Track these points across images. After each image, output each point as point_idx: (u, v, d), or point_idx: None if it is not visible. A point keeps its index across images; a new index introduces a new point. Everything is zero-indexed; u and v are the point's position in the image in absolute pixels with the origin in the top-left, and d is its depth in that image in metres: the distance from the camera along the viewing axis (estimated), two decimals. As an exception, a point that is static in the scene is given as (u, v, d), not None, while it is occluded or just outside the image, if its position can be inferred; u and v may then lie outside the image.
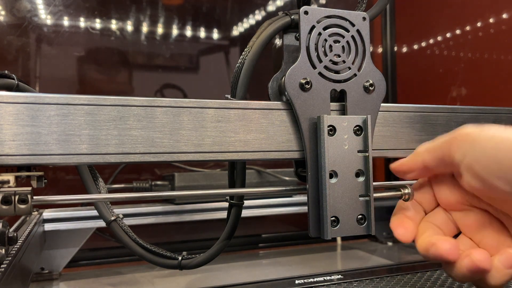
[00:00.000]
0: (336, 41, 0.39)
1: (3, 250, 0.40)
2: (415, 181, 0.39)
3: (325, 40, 0.38)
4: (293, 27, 0.42)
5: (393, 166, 0.37)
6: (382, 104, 0.40)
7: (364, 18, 0.40)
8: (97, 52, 0.89)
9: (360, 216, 0.37)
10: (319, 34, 0.38)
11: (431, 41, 0.94)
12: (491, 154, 0.30)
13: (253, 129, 0.36)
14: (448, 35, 0.89)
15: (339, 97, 0.39)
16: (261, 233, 0.88)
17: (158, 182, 0.78)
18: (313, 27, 0.38)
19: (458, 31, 0.87)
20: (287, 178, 0.77)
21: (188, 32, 0.95)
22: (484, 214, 0.35)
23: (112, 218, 0.47)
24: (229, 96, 0.41)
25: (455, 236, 0.37)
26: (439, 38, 0.92)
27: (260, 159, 0.37)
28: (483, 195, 0.33)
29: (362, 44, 0.39)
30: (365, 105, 0.39)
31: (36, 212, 0.66)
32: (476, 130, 0.32)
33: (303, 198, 0.77)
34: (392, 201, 0.82)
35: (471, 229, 0.36)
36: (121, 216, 0.48)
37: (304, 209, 0.75)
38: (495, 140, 0.30)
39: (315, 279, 0.48)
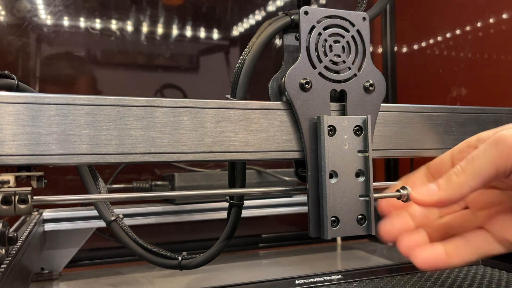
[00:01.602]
0: (336, 41, 0.39)
1: (3, 250, 0.40)
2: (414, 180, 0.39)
3: (325, 40, 0.38)
4: (293, 27, 0.42)
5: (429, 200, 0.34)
6: (382, 104, 0.40)
7: (364, 18, 0.40)
8: (97, 52, 0.89)
9: (360, 216, 0.37)
10: (319, 34, 0.38)
11: (431, 41, 0.94)
12: None
13: (253, 129, 0.36)
14: (448, 35, 0.89)
15: (339, 97, 0.39)
16: (261, 233, 0.88)
17: (158, 182, 0.78)
18: (313, 27, 0.38)
19: (458, 31, 0.87)
20: (287, 178, 0.77)
21: (188, 32, 0.95)
22: (497, 192, 0.36)
23: (112, 218, 0.47)
24: (229, 96, 0.41)
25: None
26: (439, 38, 0.92)
27: (260, 159, 0.37)
28: None
29: (362, 44, 0.39)
30: (365, 105, 0.39)
31: (36, 212, 0.66)
32: None
33: (303, 198, 0.77)
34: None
35: (480, 205, 0.36)
36: (121, 216, 0.48)
37: (304, 209, 0.75)
38: None
39: (315, 279, 0.48)
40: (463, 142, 0.36)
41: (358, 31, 0.39)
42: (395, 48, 1.04)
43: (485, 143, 0.32)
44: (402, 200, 0.37)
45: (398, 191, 0.37)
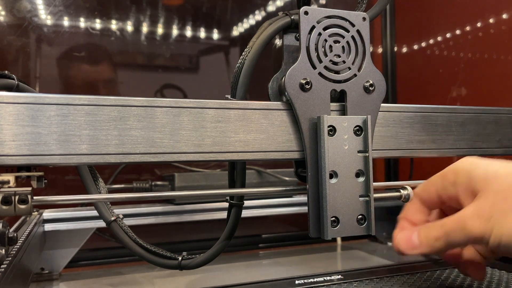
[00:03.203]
0: (336, 41, 0.39)
1: (3, 250, 0.40)
2: (416, 181, 0.39)
3: (325, 40, 0.38)
4: (293, 27, 0.42)
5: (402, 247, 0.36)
6: (382, 104, 0.40)
7: (364, 19, 0.40)
8: (97, 52, 0.89)
9: (360, 216, 0.37)
10: (319, 34, 0.38)
11: (431, 41, 0.94)
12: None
13: (253, 129, 0.36)
14: (448, 35, 0.89)
15: (339, 97, 0.39)
16: (261, 233, 0.88)
17: (158, 183, 0.78)
18: (313, 28, 0.38)
19: (458, 31, 0.87)
20: (287, 178, 0.77)
21: (188, 32, 0.95)
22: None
23: (112, 218, 0.47)
24: (229, 96, 0.41)
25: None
26: (439, 38, 0.92)
27: (260, 159, 0.37)
28: None
29: (362, 44, 0.39)
30: (365, 105, 0.39)
31: (36, 213, 0.66)
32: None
33: (303, 198, 0.77)
34: (392, 201, 0.82)
35: None
36: (121, 216, 0.48)
37: (304, 209, 0.75)
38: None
39: (315, 279, 0.48)
40: (444, 173, 0.36)
41: (358, 31, 0.39)
42: (395, 48, 1.04)
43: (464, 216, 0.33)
44: (402, 200, 0.37)
45: (398, 191, 0.37)
